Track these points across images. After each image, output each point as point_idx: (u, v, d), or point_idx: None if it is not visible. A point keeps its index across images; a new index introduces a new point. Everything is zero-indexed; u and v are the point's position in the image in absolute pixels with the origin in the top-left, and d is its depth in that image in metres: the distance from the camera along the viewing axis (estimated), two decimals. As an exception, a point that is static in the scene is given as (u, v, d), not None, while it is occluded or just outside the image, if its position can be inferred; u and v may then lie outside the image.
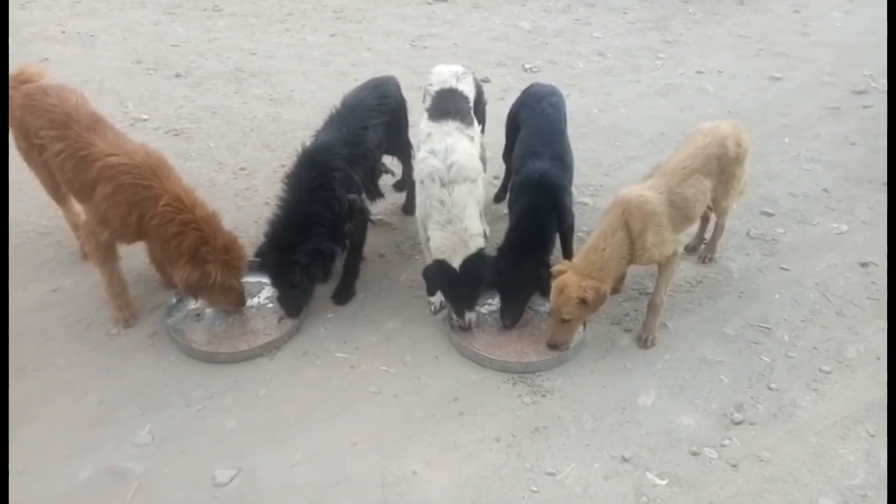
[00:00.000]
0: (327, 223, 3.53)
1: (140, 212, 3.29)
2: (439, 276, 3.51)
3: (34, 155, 3.64)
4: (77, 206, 3.88)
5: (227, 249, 3.40)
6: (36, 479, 2.86)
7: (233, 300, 3.60)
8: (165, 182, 3.32)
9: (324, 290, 3.84)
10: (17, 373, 3.31)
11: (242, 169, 5.08)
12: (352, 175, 3.65)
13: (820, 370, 3.43)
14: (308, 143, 3.73)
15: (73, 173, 3.41)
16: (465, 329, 3.58)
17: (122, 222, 3.32)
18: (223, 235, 3.43)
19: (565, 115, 4.11)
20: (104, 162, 3.29)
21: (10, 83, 3.62)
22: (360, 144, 3.76)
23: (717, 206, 3.77)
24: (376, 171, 4.09)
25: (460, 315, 3.56)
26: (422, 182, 3.57)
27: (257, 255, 3.61)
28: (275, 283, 3.62)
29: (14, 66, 3.72)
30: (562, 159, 3.74)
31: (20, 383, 3.27)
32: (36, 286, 3.88)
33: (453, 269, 3.44)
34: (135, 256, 3.90)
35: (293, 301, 3.59)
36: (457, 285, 3.49)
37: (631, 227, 3.27)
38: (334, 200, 3.53)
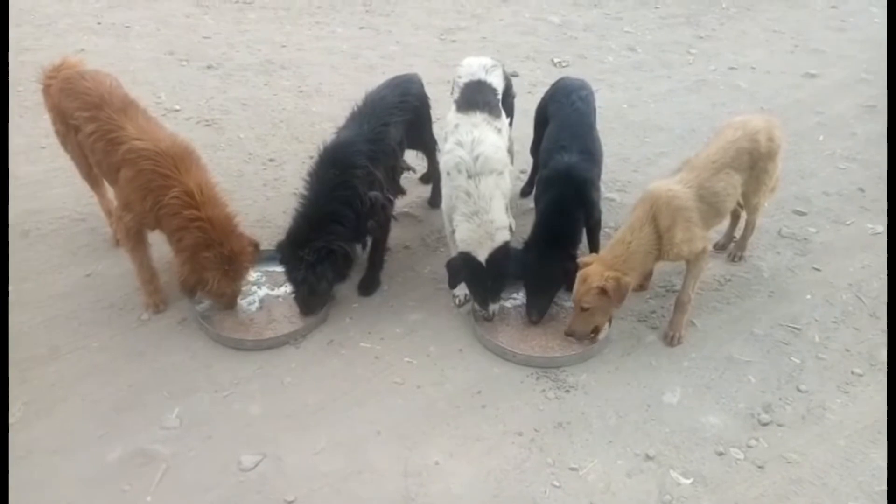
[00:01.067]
0: (346, 222, 3.51)
1: (154, 199, 3.32)
2: (464, 268, 3.50)
3: (70, 137, 3.73)
4: (110, 193, 3.95)
5: (231, 259, 3.38)
6: (67, 459, 2.93)
7: (224, 304, 3.61)
8: (184, 174, 3.32)
9: (350, 281, 3.87)
10: (51, 354, 3.40)
11: (271, 160, 5.13)
12: (373, 172, 3.63)
13: (851, 373, 3.36)
14: (329, 140, 3.73)
15: (101, 154, 3.48)
16: (489, 320, 3.57)
17: (141, 206, 3.36)
18: (233, 241, 3.39)
19: (595, 109, 4.07)
20: (129, 146, 3.34)
21: (52, 73, 3.73)
22: (382, 141, 3.74)
23: (747, 202, 3.71)
24: (397, 168, 4.07)
25: (484, 306, 3.55)
26: (448, 173, 3.57)
27: (277, 249, 3.64)
28: (287, 279, 3.62)
29: (56, 58, 3.83)
30: (590, 153, 3.71)
31: (54, 364, 3.35)
32: (70, 270, 3.97)
33: (478, 262, 3.44)
34: (165, 244, 3.96)
35: (303, 299, 3.58)
36: (482, 278, 3.48)
37: (659, 222, 3.23)
38: (356, 198, 3.52)
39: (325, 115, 5.71)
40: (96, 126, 3.46)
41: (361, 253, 3.85)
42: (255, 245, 3.58)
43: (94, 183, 4.02)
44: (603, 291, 3.22)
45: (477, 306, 3.60)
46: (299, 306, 3.63)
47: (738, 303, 3.81)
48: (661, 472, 2.90)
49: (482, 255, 3.43)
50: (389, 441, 3.04)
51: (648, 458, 2.96)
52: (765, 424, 3.10)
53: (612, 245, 3.31)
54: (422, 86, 4.28)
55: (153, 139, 3.37)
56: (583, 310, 3.33)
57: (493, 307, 3.55)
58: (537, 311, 3.59)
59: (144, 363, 3.40)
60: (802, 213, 4.53)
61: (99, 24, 7.45)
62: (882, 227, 4.39)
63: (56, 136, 3.90)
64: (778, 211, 4.51)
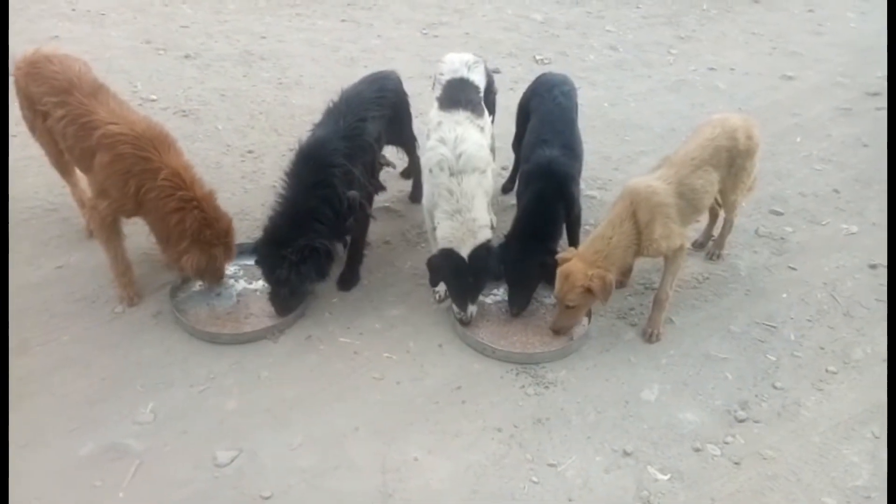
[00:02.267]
0: (326, 220, 3.46)
1: (138, 183, 3.26)
2: (445, 266, 3.48)
3: (38, 123, 3.64)
4: (83, 182, 3.87)
5: (227, 232, 3.40)
6: (38, 453, 2.86)
7: (219, 278, 3.61)
8: (165, 155, 3.29)
9: (329, 276, 3.83)
10: (21, 348, 3.31)
11: (250, 152, 5.06)
12: (351, 170, 3.56)
13: (826, 370, 3.41)
14: (305, 139, 3.64)
15: (73, 140, 3.40)
16: (466, 323, 3.53)
17: (120, 192, 3.30)
18: (222, 217, 3.41)
19: (576, 104, 4.08)
20: (104, 130, 3.27)
21: (23, 64, 3.61)
22: (359, 138, 3.67)
23: (725, 199, 3.75)
24: (376, 164, 4.00)
25: (462, 308, 3.51)
26: (430, 171, 3.55)
27: (254, 249, 3.58)
28: (266, 279, 3.56)
29: (29, 48, 3.70)
30: (571, 148, 3.72)
31: (24, 358, 3.27)
32: (41, 262, 3.87)
33: (461, 259, 3.42)
34: (140, 236, 3.88)
35: (283, 299, 3.51)
36: (463, 276, 3.46)
37: (638, 217, 3.25)
38: (335, 197, 3.47)
39: (305, 107, 5.64)
40: (66, 111, 3.39)
41: (343, 250, 3.81)
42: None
43: (65, 171, 3.92)
44: (588, 290, 3.22)
45: (455, 308, 3.56)
46: (276, 307, 3.54)
47: (716, 301, 3.85)
48: (639, 468, 2.91)
49: (465, 253, 3.42)
50: (368, 437, 3.01)
51: (626, 454, 2.97)
52: (741, 421, 3.13)
53: (592, 240, 3.32)
54: (399, 82, 4.22)
55: (127, 122, 3.31)
56: (567, 307, 3.34)
57: (472, 309, 3.52)
58: (518, 305, 3.60)
59: (118, 356, 3.33)
60: (779, 213, 4.59)
61: (73, 10, 7.28)
62: (856, 228, 4.46)
63: (24, 122, 3.82)
64: (755, 211, 4.56)
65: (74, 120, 3.36)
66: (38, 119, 3.61)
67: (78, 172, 3.91)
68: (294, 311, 3.58)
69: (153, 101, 5.64)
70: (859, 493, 2.82)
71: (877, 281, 3.99)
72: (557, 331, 3.46)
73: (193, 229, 3.29)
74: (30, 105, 3.62)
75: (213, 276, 3.55)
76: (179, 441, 2.96)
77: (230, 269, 3.82)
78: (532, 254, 3.50)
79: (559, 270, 3.32)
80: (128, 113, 3.43)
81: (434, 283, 3.67)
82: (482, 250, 3.45)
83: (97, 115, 3.32)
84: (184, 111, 5.54)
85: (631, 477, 2.88)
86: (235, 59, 6.51)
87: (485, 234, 3.48)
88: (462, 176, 3.44)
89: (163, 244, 3.48)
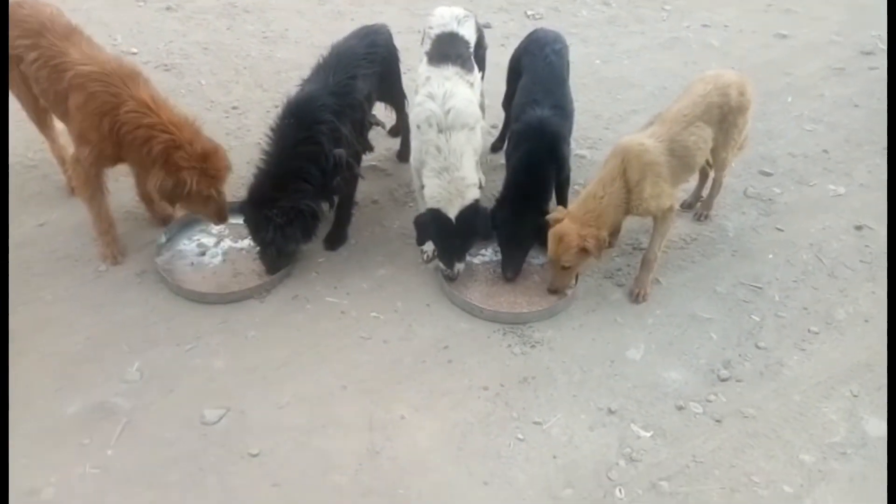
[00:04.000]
0: (312, 179, 3.40)
1: (111, 121, 3.20)
2: (433, 225, 3.45)
3: (14, 73, 3.55)
4: (63, 138, 3.78)
5: (205, 157, 3.27)
6: (24, 414, 2.86)
7: (213, 211, 3.48)
8: (133, 90, 3.22)
9: (316, 236, 3.79)
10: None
11: (234, 108, 4.95)
12: (339, 128, 3.48)
13: (808, 331, 3.45)
14: (293, 94, 3.56)
15: (47, 83, 3.35)
16: (452, 279, 3.54)
17: (98, 134, 3.24)
18: (201, 142, 3.29)
19: (568, 63, 4.00)
20: (75, 71, 3.22)
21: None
22: (348, 95, 3.58)
23: (716, 157, 3.71)
24: (365, 123, 3.92)
25: (449, 265, 3.51)
26: (418, 127, 3.48)
27: (239, 209, 3.53)
28: (252, 239, 3.53)
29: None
30: (562, 108, 3.66)
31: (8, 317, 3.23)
32: (22, 220, 3.81)
33: (448, 219, 3.39)
34: (124, 193, 3.83)
35: (270, 259, 3.50)
36: (451, 236, 3.44)
37: (629, 175, 3.24)
38: (321, 155, 3.40)
39: (291, 62, 5.51)
40: (38, 53, 3.33)
41: (329, 210, 3.77)
42: (223, 149, 3.46)
43: (42, 123, 3.85)
44: (583, 250, 3.23)
45: (442, 265, 3.56)
46: (266, 265, 3.54)
47: (703, 261, 3.86)
48: (623, 426, 2.96)
49: (452, 213, 3.39)
50: (355, 395, 3.03)
51: (611, 412, 3.01)
52: (724, 380, 3.17)
53: (584, 200, 3.30)
54: (390, 37, 4.11)
55: (98, 62, 3.25)
56: (563, 268, 3.34)
57: (459, 266, 3.52)
58: (512, 268, 3.58)
59: (102, 316, 3.31)
60: (768, 174, 4.58)
61: (48, -42, 7.00)
62: (843, 189, 4.46)
63: None
64: (744, 171, 4.54)
65: (47, 62, 3.30)
66: (13, 65, 3.53)
67: (57, 128, 3.82)
68: (282, 268, 3.56)
69: (133, 54, 5.46)
70: (835, 449, 2.89)
71: (862, 242, 4.01)
72: (554, 291, 3.48)
73: (159, 151, 3.20)
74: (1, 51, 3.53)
75: (190, 204, 3.40)
76: (166, 400, 2.96)
77: (215, 227, 3.78)
78: (524, 217, 3.48)
79: (552, 232, 3.31)
80: (99, 54, 3.36)
81: (421, 243, 3.65)
82: (469, 211, 3.42)
83: (69, 57, 3.26)
84: (165, 65, 5.40)
85: (615, 434, 2.92)
86: (218, 12, 6.32)
87: (473, 194, 3.44)
88: (451, 132, 3.38)
89: (144, 181, 3.41)
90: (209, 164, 3.29)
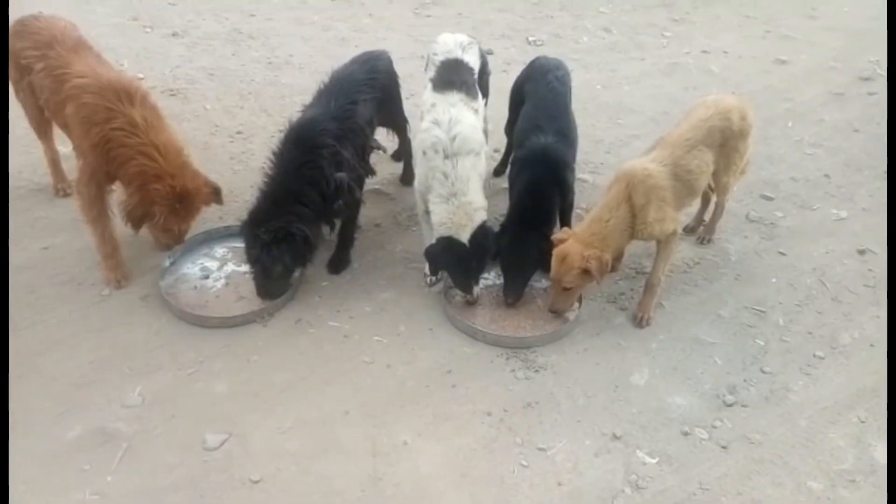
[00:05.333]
0: (310, 203, 3.40)
1: (99, 133, 3.21)
2: (447, 253, 3.44)
3: (23, 83, 3.65)
4: (61, 145, 3.95)
5: (182, 197, 3.25)
6: (24, 437, 2.84)
7: (169, 239, 3.50)
8: (126, 105, 3.22)
9: (319, 258, 3.80)
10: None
11: (239, 132, 5.00)
12: (340, 152, 3.50)
13: (813, 355, 3.43)
14: (295, 119, 3.59)
15: (49, 93, 3.43)
16: (473, 304, 3.55)
17: (88, 144, 3.26)
18: (184, 178, 3.27)
19: (570, 89, 4.04)
20: (73, 82, 3.28)
21: (13, 22, 3.66)
22: (349, 120, 3.61)
23: (717, 181, 3.73)
24: (366, 147, 3.94)
25: (468, 290, 3.51)
26: (424, 153, 3.50)
27: (239, 230, 3.53)
28: (245, 258, 3.51)
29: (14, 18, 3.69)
30: (565, 134, 3.69)
31: (9, 340, 3.22)
32: (26, 243, 3.82)
33: (462, 245, 3.40)
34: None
35: (259, 281, 3.46)
36: (466, 260, 3.44)
37: (634, 200, 3.25)
38: (321, 179, 3.41)
39: (295, 87, 5.57)
40: (45, 64, 3.42)
41: (330, 233, 3.77)
42: (216, 189, 3.47)
43: (43, 134, 3.96)
44: (585, 271, 3.23)
45: (459, 292, 3.56)
46: (256, 287, 3.51)
47: (706, 285, 3.85)
48: (628, 452, 2.93)
49: (464, 237, 3.40)
50: (357, 420, 3.01)
51: (615, 437, 2.98)
52: (729, 405, 3.15)
53: (589, 222, 3.32)
54: (391, 63, 4.16)
55: (96, 75, 3.30)
56: (565, 289, 3.34)
57: (477, 290, 3.53)
58: (514, 294, 3.58)
59: (105, 339, 3.30)
60: (770, 198, 4.59)
61: (58, -14, 7.12)
62: (846, 213, 4.47)
63: (11, 84, 3.82)
64: (746, 195, 4.56)
65: (51, 72, 3.39)
66: (22, 75, 3.63)
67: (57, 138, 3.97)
68: (275, 296, 3.52)
69: (140, 79, 5.51)
70: (844, 477, 2.85)
71: (865, 266, 4.01)
72: (555, 312, 3.47)
73: (134, 173, 3.19)
74: (14, 61, 3.64)
75: (151, 230, 3.41)
76: (168, 424, 2.94)
77: (218, 251, 3.80)
78: (527, 243, 3.48)
79: (555, 252, 3.31)
80: (101, 68, 3.41)
81: (434, 273, 3.66)
82: (480, 233, 3.43)
83: (71, 69, 3.33)
84: (171, 90, 5.46)
85: (620, 461, 2.89)
86: (224, 38, 6.41)
87: (481, 216, 3.46)
88: (457, 158, 3.41)
89: (154, 230, 3.46)
90: (183, 204, 3.29)
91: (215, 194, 3.51)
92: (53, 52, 3.41)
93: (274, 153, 3.52)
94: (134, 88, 3.32)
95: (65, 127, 3.52)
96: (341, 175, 3.48)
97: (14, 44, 3.58)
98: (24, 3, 6.51)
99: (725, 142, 3.56)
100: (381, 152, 4.66)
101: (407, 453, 2.88)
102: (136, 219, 3.30)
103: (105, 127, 3.20)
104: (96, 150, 3.26)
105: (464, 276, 3.50)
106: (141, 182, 3.21)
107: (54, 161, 4.07)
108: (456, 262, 3.46)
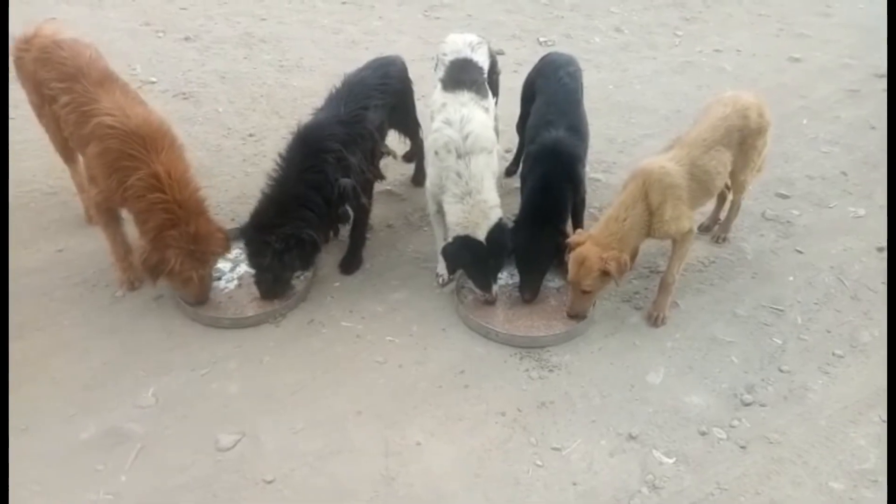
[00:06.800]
0: (315, 207, 3.39)
1: (119, 179, 3.17)
2: (465, 251, 3.42)
3: (45, 110, 3.58)
4: (83, 167, 3.82)
5: (197, 239, 3.22)
6: (38, 438, 2.84)
7: (191, 292, 3.38)
8: (152, 154, 3.16)
9: (331, 259, 3.80)
10: (17, 331, 3.28)
11: (251, 135, 5.01)
12: (347, 157, 3.47)
13: (833, 354, 3.37)
14: (303, 122, 3.58)
15: (74, 126, 3.35)
16: (492, 303, 3.52)
17: (106, 184, 3.23)
18: (200, 223, 3.24)
19: (582, 85, 4.02)
20: (99, 120, 3.20)
21: (24, 44, 3.55)
22: (358, 125, 3.59)
23: (734, 179, 3.69)
24: (376, 152, 3.91)
25: (487, 289, 3.48)
26: (436, 153, 3.48)
27: (240, 232, 3.53)
28: (249, 263, 3.51)
29: (31, 26, 3.61)
30: (577, 129, 3.67)
31: (20, 342, 3.24)
32: (40, 246, 3.84)
33: (479, 243, 3.38)
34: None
35: (265, 285, 3.46)
36: (484, 258, 3.42)
37: (650, 198, 3.21)
38: (326, 183, 3.39)
39: (307, 90, 5.58)
40: (71, 98, 3.33)
41: (334, 237, 3.75)
42: (225, 234, 3.43)
43: (68, 158, 3.86)
44: (605, 273, 3.20)
45: (473, 291, 3.54)
46: (261, 291, 3.50)
47: (722, 284, 3.80)
48: (644, 452, 2.89)
49: (481, 235, 3.37)
50: (370, 420, 2.99)
51: (631, 437, 2.95)
52: (747, 404, 3.10)
53: (606, 222, 3.28)
54: (404, 68, 4.14)
55: (124, 115, 3.21)
56: (584, 292, 3.31)
57: (495, 288, 3.51)
58: (530, 290, 3.56)
59: (118, 341, 3.31)
60: (786, 196, 4.54)
61: (71, -8, 7.19)
62: (864, 211, 4.41)
63: (31, 108, 3.74)
64: (762, 194, 4.51)
65: (77, 107, 3.30)
66: (46, 104, 3.55)
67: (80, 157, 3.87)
68: (279, 297, 3.52)
69: (153, 83, 5.58)
70: (866, 477, 2.80)
71: (884, 264, 3.94)
72: (574, 316, 3.44)
73: (152, 227, 3.17)
74: (37, 90, 3.55)
75: (171, 281, 3.32)
76: (181, 425, 2.94)
77: (231, 252, 3.80)
78: (542, 238, 3.46)
79: (573, 255, 3.28)
80: (130, 105, 3.31)
81: (452, 272, 3.63)
82: (497, 230, 3.41)
83: (98, 105, 3.25)
84: (184, 94, 5.48)
85: (636, 461, 2.85)
86: (235, 42, 6.44)
87: (496, 214, 3.44)
88: (470, 157, 3.39)
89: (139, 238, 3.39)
90: (199, 246, 3.24)
91: (226, 240, 3.46)
92: (79, 85, 3.31)
93: (280, 155, 3.52)
94: (161, 134, 3.25)
95: (86, 158, 3.42)
96: (347, 181, 3.46)
97: (38, 72, 3.47)
98: (39, 7, 6.62)
99: (744, 140, 3.51)
100: (391, 157, 4.65)
101: (420, 454, 2.86)
102: (152, 266, 3.22)
103: (127, 176, 3.15)
104: (115, 193, 3.22)
105: (482, 275, 3.47)
106: (157, 233, 3.19)
107: (82, 186, 3.90)
108: (474, 260, 3.44)
